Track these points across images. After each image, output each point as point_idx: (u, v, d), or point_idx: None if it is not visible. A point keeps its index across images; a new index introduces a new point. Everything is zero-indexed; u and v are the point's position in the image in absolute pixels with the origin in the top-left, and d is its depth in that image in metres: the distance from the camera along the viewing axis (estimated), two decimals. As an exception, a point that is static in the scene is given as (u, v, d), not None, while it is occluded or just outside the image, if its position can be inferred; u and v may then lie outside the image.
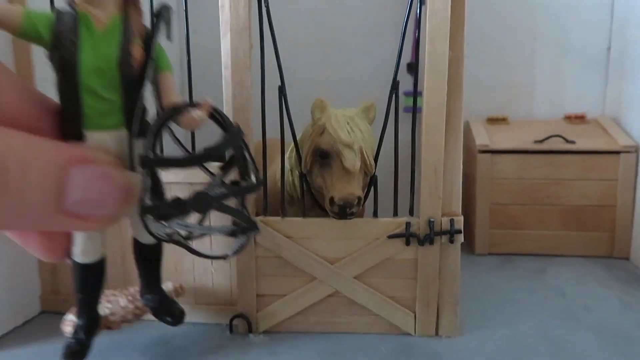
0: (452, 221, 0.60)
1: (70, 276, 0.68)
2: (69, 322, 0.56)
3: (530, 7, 1.04)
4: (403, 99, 0.97)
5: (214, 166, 0.52)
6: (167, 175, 0.58)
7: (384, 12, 1.06)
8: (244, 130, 0.60)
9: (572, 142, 0.90)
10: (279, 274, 0.63)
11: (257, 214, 0.63)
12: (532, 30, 1.05)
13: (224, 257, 0.49)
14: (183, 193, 0.62)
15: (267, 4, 0.60)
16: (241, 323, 0.64)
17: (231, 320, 0.64)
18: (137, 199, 0.43)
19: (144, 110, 0.47)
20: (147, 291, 0.57)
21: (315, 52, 1.08)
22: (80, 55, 0.42)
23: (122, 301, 0.60)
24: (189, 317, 0.63)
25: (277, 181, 0.67)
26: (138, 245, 0.54)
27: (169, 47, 0.52)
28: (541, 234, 0.92)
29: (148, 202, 0.44)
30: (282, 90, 0.61)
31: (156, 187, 0.46)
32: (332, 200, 0.57)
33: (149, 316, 0.60)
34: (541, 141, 0.91)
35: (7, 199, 0.35)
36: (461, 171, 0.61)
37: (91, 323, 0.54)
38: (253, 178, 0.47)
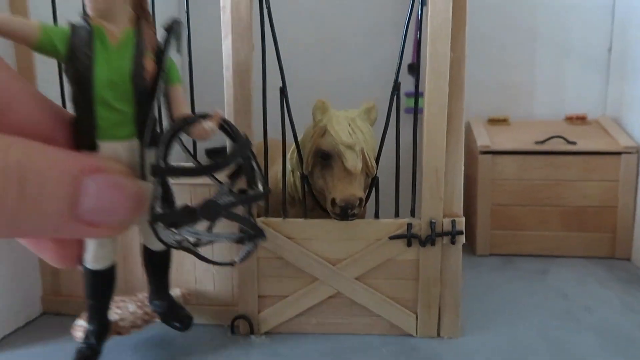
0: (453, 222, 0.60)
1: (71, 278, 0.69)
2: (80, 327, 0.57)
3: (530, 7, 1.04)
4: (404, 100, 0.97)
5: (222, 175, 0.53)
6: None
7: (384, 13, 1.07)
8: (246, 131, 0.60)
9: (573, 143, 0.90)
10: (281, 275, 0.63)
11: (259, 215, 0.63)
12: (533, 30, 1.05)
13: (231, 264, 0.51)
14: (184, 194, 0.62)
15: (269, 5, 0.60)
16: (243, 324, 0.64)
17: (233, 321, 0.64)
18: (148, 207, 0.45)
19: (154, 121, 0.48)
20: (156, 297, 0.58)
21: (315, 53, 1.09)
22: (95, 68, 0.43)
23: (132, 307, 0.61)
24: (188, 307, 0.63)
25: (278, 182, 0.67)
26: (147, 252, 0.56)
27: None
28: (542, 234, 0.92)
29: (159, 210, 0.45)
30: (283, 91, 0.61)
31: (166, 196, 0.48)
32: (333, 201, 0.57)
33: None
34: (542, 142, 0.91)
35: (23, 207, 0.36)
36: (462, 172, 0.61)
37: (102, 328, 0.55)
38: (260, 187, 0.48)
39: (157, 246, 0.55)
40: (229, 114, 0.62)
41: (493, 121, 1.02)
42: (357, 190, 0.57)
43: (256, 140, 0.64)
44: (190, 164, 0.57)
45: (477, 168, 0.92)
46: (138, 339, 0.62)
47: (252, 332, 0.64)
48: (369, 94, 0.72)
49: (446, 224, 0.60)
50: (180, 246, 0.47)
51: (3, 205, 0.34)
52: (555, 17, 1.03)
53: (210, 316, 0.66)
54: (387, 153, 0.63)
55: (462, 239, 0.60)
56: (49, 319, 0.70)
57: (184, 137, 0.50)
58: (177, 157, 0.51)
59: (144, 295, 0.62)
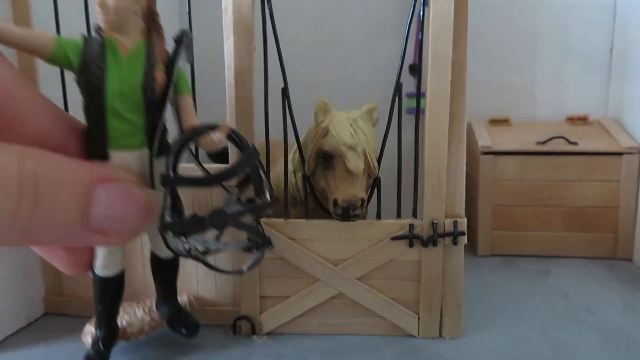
0: (455, 223, 0.60)
1: (73, 278, 0.69)
2: (88, 333, 0.58)
3: (531, 8, 1.04)
4: (405, 101, 0.97)
5: (230, 184, 0.54)
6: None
7: (385, 14, 1.07)
8: (248, 132, 0.61)
9: (575, 144, 0.90)
10: (282, 275, 0.63)
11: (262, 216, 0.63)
12: (534, 31, 1.05)
13: (239, 273, 0.52)
14: (186, 196, 0.62)
15: (270, 6, 0.60)
16: (244, 325, 0.64)
17: (234, 322, 0.64)
18: (157, 216, 0.46)
19: (164, 131, 0.49)
20: (163, 303, 0.59)
21: (316, 54, 1.09)
22: (107, 79, 0.45)
23: (139, 313, 0.61)
24: (194, 314, 0.63)
25: (280, 183, 0.67)
26: (155, 259, 0.57)
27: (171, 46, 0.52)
28: (543, 235, 0.92)
29: (168, 219, 0.46)
30: (285, 92, 0.61)
31: (176, 205, 0.49)
32: (335, 202, 0.57)
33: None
34: (544, 142, 0.91)
35: (37, 216, 0.36)
36: (464, 173, 0.61)
37: (110, 334, 0.55)
38: (267, 196, 0.49)
39: (165, 253, 0.56)
40: (230, 115, 0.62)
41: (494, 122, 1.02)
42: (359, 191, 0.57)
43: (258, 140, 0.64)
44: (192, 165, 0.58)
45: (478, 168, 0.92)
46: (139, 340, 0.62)
47: (254, 332, 0.64)
48: (370, 94, 0.72)
49: (448, 225, 0.60)
50: (190, 255, 0.49)
51: (18, 214, 0.35)
52: (556, 18, 1.03)
53: (212, 317, 0.66)
54: (388, 154, 0.63)
55: (464, 239, 0.60)
56: (51, 319, 0.70)
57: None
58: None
59: (151, 301, 0.63)
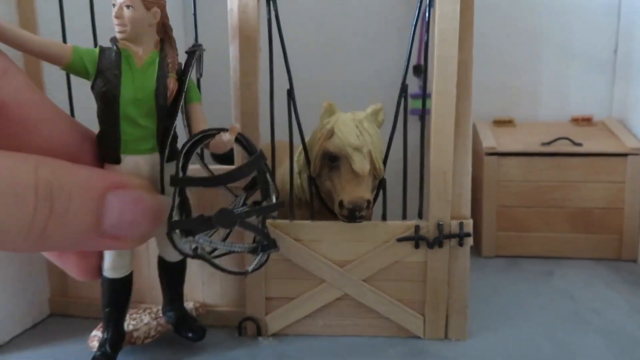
0: (461, 224, 0.60)
1: (79, 280, 0.69)
2: (95, 337, 0.58)
3: (534, 9, 1.04)
4: (409, 102, 0.97)
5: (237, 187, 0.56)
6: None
7: (389, 15, 1.07)
8: (254, 134, 0.61)
9: (579, 145, 0.90)
10: (288, 276, 0.63)
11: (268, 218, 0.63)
12: (538, 32, 1.04)
13: (244, 274, 0.53)
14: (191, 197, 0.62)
15: (276, 7, 0.60)
16: (250, 326, 0.64)
17: (240, 323, 0.64)
18: (167, 219, 0.46)
19: (174, 136, 0.51)
20: (170, 308, 0.60)
21: (320, 55, 1.09)
22: (121, 87, 0.47)
23: (146, 318, 0.62)
24: (200, 320, 0.63)
25: (284, 184, 0.67)
26: (163, 264, 0.57)
27: (180, 49, 0.53)
28: (548, 236, 0.92)
29: (176, 217, 0.47)
30: (290, 93, 0.61)
31: (184, 205, 0.49)
32: (341, 203, 0.57)
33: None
34: (548, 143, 0.91)
35: (52, 223, 0.37)
36: (470, 174, 0.61)
37: (117, 337, 0.56)
38: (274, 199, 0.50)
39: (172, 257, 0.57)
40: (235, 116, 0.62)
41: (498, 123, 1.02)
42: (364, 192, 0.57)
43: (263, 142, 0.64)
44: (197, 166, 0.58)
45: (482, 170, 0.92)
46: (146, 343, 0.62)
47: (259, 334, 0.64)
48: (374, 95, 0.72)
49: (454, 226, 0.60)
50: (196, 254, 0.49)
51: (34, 222, 0.35)
52: (560, 18, 1.03)
53: (217, 318, 0.66)
54: (393, 155, 0.63)
55: (470, 240, 0.60)
56: (56, 320, 0.70)
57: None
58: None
59: (157, 307, 0.63)
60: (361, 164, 0.58)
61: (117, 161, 0.49)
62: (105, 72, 0.47)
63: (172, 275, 0.59)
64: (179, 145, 0.51)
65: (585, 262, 0.90)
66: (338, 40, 1.09)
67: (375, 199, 0.62)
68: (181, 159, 0.49)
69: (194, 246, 0.49)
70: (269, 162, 0.63)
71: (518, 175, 0.92)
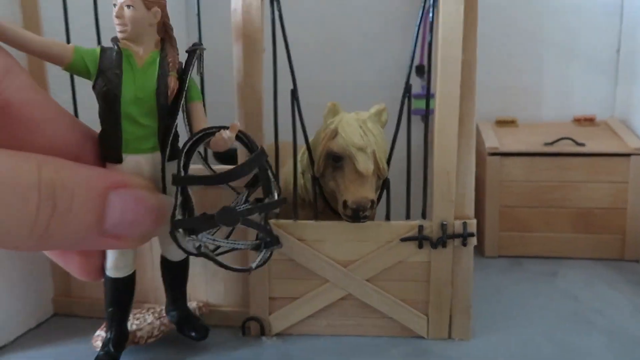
0: (465, 224, 0.60)
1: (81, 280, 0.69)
2: (99, 337, 0.58)
3: (537, 9, 1.04)
4: (412, 102, 0.97)
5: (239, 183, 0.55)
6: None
7: (392, 15, 1.07)
8: (257, 133, 0.61)
9: (582, 145, 0.90)
10: (291, 276, 0.63)
11: (270, 217, 0.63)
12: (540, 32, 1.04)
13: (248, 270, 0.53)
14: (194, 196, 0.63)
15: (280, 7, 0.60)
16: (253, 326, 0.64)
17: (244, 323, 0.64)
18: (168, 218, 0.47)
19: (176, 135, 0.51)
20: (173, 308, 0.60)
21: (323, 56, 1.09)
22: (122, 86, 0.47)
23: (149, 317, 0.62)
24: (203, 319, 0.63)
25: (288, 184, 0.67)
26: (165, 263, 0.58)
27: (182, 48, 0.53)
28: (551, 236, 0.92)
29: (179, 216, 0.47)
30: (294, 93, 0.61)
31: (186, 204, 0.50)
32: (345, 203, 0.57)
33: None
34: (551, 143, 0.91)
35: (55, 222, 0.37)
36: (474, 174, 0.61)
37: (120, 336, 0.56)
38: (276, 196, 0.50)
39: (175, 256, 0.57)
40: (239, 116, 0.62)
41: (501, 123, 1.02)
42: (368, 192, 0.57)
43: (267, 142, 0.64)
44: (200, 166, 0.58)
45: (485, 170, 0.92)
46: (150, 343, 0.62)
47: (263, 333, 0.64)
48: (376, 96, 0.72)
49: (457, 226, 0.60)
50: (199, 252, 0.49)
51: (37, 220, 0.35)
52: (563, 18, 1.03)
53: (221, 318, 0.66)
54: (397, 155, 0.63)
55: (473, 240, 0.60)
56: (60, 320, 0.70)
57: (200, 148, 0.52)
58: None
59: (161, 307, 0.63)
60: (365, 164, 0.58)
61: (119, 160, 0.49)
62: (107, 72, 0.47)
63: (174, 275, 0.59)
64: (181, 144, 0.51)
65: (588, 263, 0.90)
66: (341, 41, 1.09)
67: (379, 199, 0.62)
68: (182, 158, 0.49)
69: (197, 245, 0.49)
70: (272, 162, 0.63)
71: (521, 175, 0.92)
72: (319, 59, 1.08)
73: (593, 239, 0.91)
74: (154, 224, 0.47)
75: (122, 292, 0.55)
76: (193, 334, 0.59)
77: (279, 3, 0.60)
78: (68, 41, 0.64)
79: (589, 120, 1.00)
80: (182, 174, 0.49)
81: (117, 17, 0.48)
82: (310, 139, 0.64)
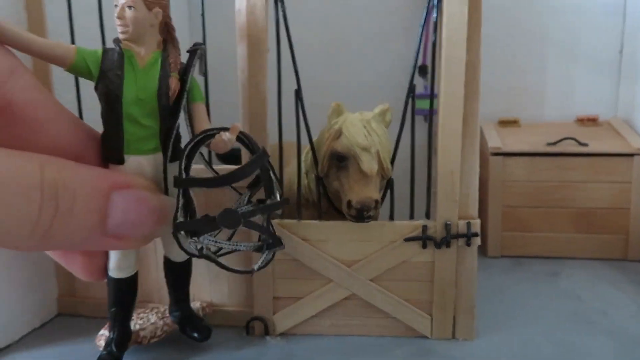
0: (469, 224, 0.60)
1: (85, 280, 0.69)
2: (102, 336, 0.58)
3: (540, 9, 1.04)
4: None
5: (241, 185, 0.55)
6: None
7: (395, 15, 1.07)
8: (262, 134, 0.61)
9: (585, 145, 0.90)
10: (295, 276, 0.64)
11: (274, 218, 0.64)
12: (543, 32, 1.04)
13: (250, 272, 0.53)
14: (199, 197, 0.63)
15: (284, 8, 0.60)
16: (258, 325, 0.65)
17: (248, 322, 0.64)
18: (171, 219, 0.46)
19: (178, 136, 0.51)
20: (176, 308, 0.60)
21: (326, 56, 1.09)
22: (124, 87, 0.47)
23: (153, 317, 0.62)
24: (206, 320, 0.63)
25: (291, 184, 0.68)
26: (168, 264, 0.58)
27: (185, 47, 0.53)
28: (554, 236, 0.92)
29: (180, 218, 0.47)
30: (298, 93, 0.62)
31: (188, 206, 0.50)
32: (349, 203, 0.57)
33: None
34: (554, 143, 0.91)
35: (57, 222, 0.37)
36: (478, 174, 0.61)
37: (123, 336, 0.56)
38: (278, 197, 0.50)
39: (178, 258, 0.57)
40: (243, 116, 0.62)
41: (503, 123, 1.02)
42: (373, 192, 0.58)
43: (270, 142, 0.64)
44: (202, 166, 0.59)
45: (487, 170, 0.92)
46: (153, 343, 0.62)
47: (267, 333, 0.64)
48: (379, 96, 0.72)
49: (461, 226, 0.60)
50: (201, 254, 0.49)
51: (39, 220, 0.35)
52: (566, 19, 1.03)
53: (225, 318, 0.66)
54: (400, 155, 0.63)
55: (477, 240, 0.61)
56: (64, 320, 0.70)
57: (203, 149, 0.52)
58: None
59: (165, 307, 0.63)
60: (369, 164, 0.58)
61: (121, 161, 0.49)
62: (108, 73, 0.47)
63: (178, 276, 0.59)
64: (183, 145, 0.51)
65: (591, 263, 0.90)
66: (345, 41, 1.09)
67: (383, 199, 0.63)
68: (184, 160, 0.49)
69: (199, 247, 0.49)
70: (276, 162, 0.64)
71: (523, 175, 0.92)
72: (323, 59, 1.08)
73: (596, 239, 0.91)
74: (156, 225, 0.47)
75: (125, 293, 0.55)
76: (195, 334, 0.59)
77: (283, 3, 0.60)
78: (73, 41, 0.65)
79: (592, 121, 1.00)
80: (184, 175, 0.49)
81: (119, 17, 0.48)
82: (314, 139, 0.64)
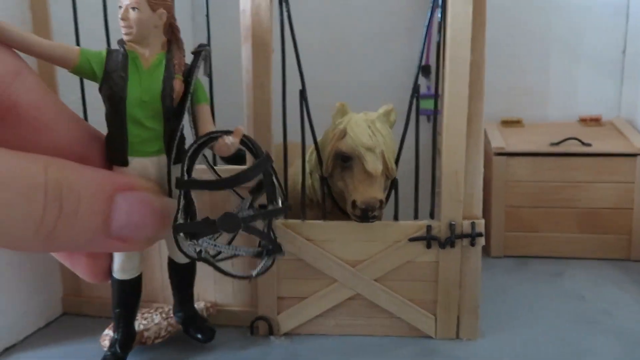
0: (473, 224, 0.60)
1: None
2: (106, 336, 0.58)
3: (543, 10, 1.04)
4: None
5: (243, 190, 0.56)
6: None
7: (398, 16, 1.06)
8: (266, 134, 0.61)
9: (589, 145, 0.90)
10: (300, 276, 0.64)
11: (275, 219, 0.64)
12: (546, 33, 1.04)
13: (248, 278, 0.52)
14: (203, 197, 0.63)
15: (289, 8, 0.60)
16: (262, 325, 0.65)
17: (252, 322, 0.65)
18: (173, 221, 0.46)
19: (182, 138, 0.51)
20: (180, 309, 0.60)
21: (331, 56, 1.09)
22: (128, 89, 0.47)
23: (157, 318, 0.62)
24: (210, 320, 0.63)
25: (295, 184, 0.68)
26: (172, 265, 0.58)
27: (189, 48, 0.53)
28: (557, 236, 0.92)
29: (181, 220, 0.47)
30: (303, 94, 0.62)
31: (189, 207, 0.49)
32: (354, 203, 0.58)
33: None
34: (557, 143, 0.91)
35: (61, 223, 0.37)
36: (482, 174, 0.61)
37: (127, 338, 0.56)
38: (280, 202, 0.50)
39: (182, 259, 0.57)
40: (248, 117, 0.62)
41: (507, 123, 1.02)
42: (377, 192, 0.58)
43: (275, 142, 0.64)
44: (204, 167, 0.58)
45: (491, 170, 0.92)
46: (157, 343, 0.62)
47: (271, 333, 0.65)
48: (382, 96, 0.72)
49: (466, 226, 0.60)
50: (200, 257, 0.49)
51: (43, 222, 0.35)
52: (569, 19, 1.03)
53: (229, 318, 0.67)
54: (405, 155, 0.63)
55: (481, 241, 0.61)
56: (69, 319, 0.71)
57: (206, 151, 0.52)
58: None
59: (169, 307, 0.63)
60: (374, 164, 0.58)
61: (125, 163, 0.49)
62: (112, 74, 0.47)
63: (182, 277, 0.59)
64: (187, 146, 0.51)
65: (594, 263, 0.90)
66: (349, 42, 1.09)
67: (387, 199, 0.63)
68: (186, 162, 0.48)
69: (198, 249, 0.49)
70: (281, 163, 0.64)
71: (526, 175, 0.92)
72: (328, 60, 1.08)
73: (599, 239, 0.91)
74: (160, 227, 0.47)
75: (129, 294, 0.55)
76: (199, 335, 0.60)
77: (287, 4, 0.60)
78: (77, 42, 0.65)
79: (595, 121, 1.00)
80: (186, 177, 0.48)
81: (123, 19, 0.47)
82: (319, 139, 0.64)
